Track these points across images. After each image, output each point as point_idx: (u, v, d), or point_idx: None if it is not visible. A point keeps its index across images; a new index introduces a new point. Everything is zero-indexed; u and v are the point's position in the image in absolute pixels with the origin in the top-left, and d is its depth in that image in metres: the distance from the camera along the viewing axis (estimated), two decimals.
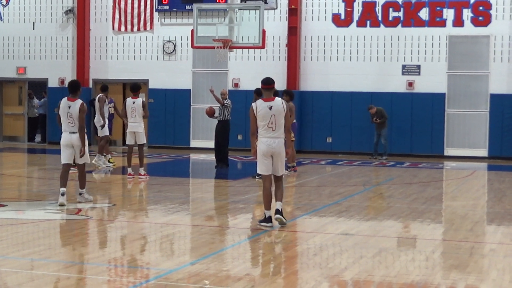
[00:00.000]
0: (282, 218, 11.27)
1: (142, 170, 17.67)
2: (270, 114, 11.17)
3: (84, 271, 8.65)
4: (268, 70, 26.68)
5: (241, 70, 26.96)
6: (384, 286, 7.96)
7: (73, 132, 13.27)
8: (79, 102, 13.15)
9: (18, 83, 30.08)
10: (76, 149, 13.27)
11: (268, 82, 11.44)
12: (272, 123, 11.17)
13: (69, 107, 13.18)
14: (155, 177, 18.05)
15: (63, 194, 12.86)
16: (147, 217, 12.82)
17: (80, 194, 13.46)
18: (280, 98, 11.50)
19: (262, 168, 11.31)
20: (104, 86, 20.41)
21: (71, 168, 13.59)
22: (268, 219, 11.26)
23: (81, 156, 13.20)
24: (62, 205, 12.75)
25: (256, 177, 17.84)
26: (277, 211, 11.29)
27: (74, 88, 13.28)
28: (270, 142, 11.20)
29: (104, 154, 20.13)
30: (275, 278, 8.29)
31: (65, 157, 13.39)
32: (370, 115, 24.58)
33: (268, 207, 11.25)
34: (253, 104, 11.36)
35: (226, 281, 8.04)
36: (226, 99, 20.42)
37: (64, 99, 13.30)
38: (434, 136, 25.62)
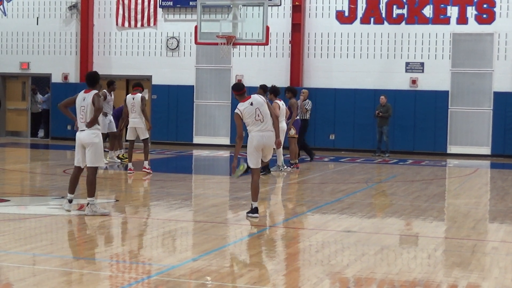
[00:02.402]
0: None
1: (147, 164, 17.69)
2: (254, 109, 11.90)
3: (86, 266, 8.65)
4: (271, 66, 26.72)
5: (245, 66, 26.95)
6: (386, 283, 7.96)
7: (82, 130, 11.76)
8: (92, 92, 11.77)
9: (22, 78, 30.11)
10: (86, 149, 11.72)
11: (239, 88, 12.24)
12: (258, 115, 11.89)
13: (84, 99, 11.79)
14: (158, 173, 18.06)
15: (70, 201, 11.88)
16: (150, 213, 12.82)
17: (88, 204, 11.71)
18: (256, 95, 12.28)
19: (253, 161, 11.93)
20: (108, 81, 20.38)
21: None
22: (254, 210, 11.89)
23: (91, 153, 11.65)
24: (68, 211, 11.82)
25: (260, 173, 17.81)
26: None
27: (90, 80, 11.92)
28: (261, 136, 11.87)
29: (106, 150, 20.13)
30: (277, 275, 8.29)
31: (76, 158, 11.91)
32: (378, 105, 24.48)
33: (256, 198, 11.91)
34: (237, 111, 11.98)
35: (228, 278, 8.04)
36: (306, 99, 21.25)
37: (81, 92, 11.98)
38: (437, 133, 25.61)
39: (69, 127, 28.55)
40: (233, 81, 27.14)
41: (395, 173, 19.89)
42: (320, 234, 10.75)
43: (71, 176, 12.01)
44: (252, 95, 12.13)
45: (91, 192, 11.68)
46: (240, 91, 12.16)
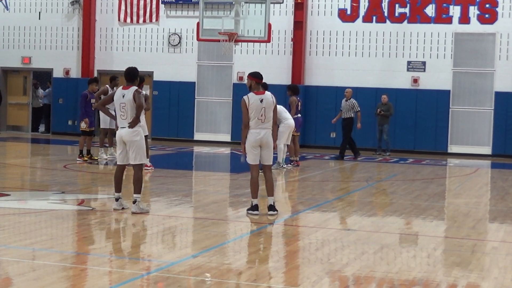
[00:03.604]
0: (274, 212, 11.82)
1: (147, 162, 17.68)
2: (261, 107, 11.68)
3: (86, 262, 8.66)
4: (273, 64, 26.70)
5: (246, 63, 26.92)
6: (385, 282, 7.95)
7: (123, 127, 11.64)
8: (133, 89, 11.61)
9: (23, 73, 30.09)
10: (128, 147, 11.64)
11: (259, 77, 11.91)
12: (262, 115, 11.70)
13: (123, 96, 11.60)
14: (159, 169, 18.07)
15: (117, 200, 11.78)
16: (150, 209, 12.82)
17: (134, 202, 11.58)
18: (269, 92, 12.02)
19: (251, 157, 11.87)
20: (111, 77, 20.35)
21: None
22: (255, 207, 11.81)
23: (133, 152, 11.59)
24: (115, 209, 11.75)
25: (260, 170, 17.81)
26: (270, 207, 11.85)
27: (131, 76, 11.73)
28: (258, 132, 11.72)
29: (106, 145, 20.08)
30: (276, 273, 8.29)
31: (120, 157, 11.78)
32: (379, 104, 24.53)
33: (255, 195, 11.83)
34: (245, 97, 11.80)
35: (227, 274, 8.04)
36: (350, 98, 22.13)
37: (119, 89, 11.84)
38: (438, 133, 25.60)
39: (70, 122, 28.61)
40: (234, 78, 27.16)
41: (396, 172, 19.89)
42: (320, 232, 10.75)
43: (115, 174, 11.85)
44: (266, 92, 11.87)
45: (138, 189, 11.62)
46: (261, 79, 11.88)
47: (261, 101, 11.68)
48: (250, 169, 11.97)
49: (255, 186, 11.84)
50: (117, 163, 11.91)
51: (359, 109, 22.30)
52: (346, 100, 22.24)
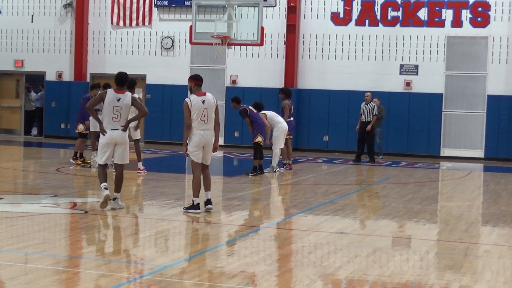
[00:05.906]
0: (211, 206, 12.22)
1: (140, 165, 17.68)
2: (203, 108, 12.10)
3: (79, 265, 8.64)
4: (266, 67, 26.71)
5: (239, 67, 26.95)
6: (378, 285, 7.96)
7: (115, 129, 11.95)
8: (129, 94, 12.17)
9: (16, 76, 30.04)
10: (117, 147, 12.02)
11: (200, 79, 12.53)
12: (204, 116, 12.11)
13: (118, 100, 11.96)
14: (151, 172, 18.05)
15: (106, 188, 11.84)
16: (142, 212, 12.81)
17: (114, 199, 12.04)
18: (211, 94, 12.48)
19: (195, 157, 12.19)
20: (104, 84, 20.37)
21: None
22: (196, 206, 12.09)
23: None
24: (108, 198, 11.89)
25: (250, 174, 17.86)
26: (208, 201, 12.24)
27: (122, 80, 12.17)
28: (202, 134, 12.09)
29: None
30: (269, 276, 8.29)
31: (105, 157, 12.07)
32: None
33: (197, 194, 12.11)
34: (187, 99, 12.23)
35: (220, 278, 8.04)
36: (370, 102, 22.68)
37: (111, 91, 12.12)
38: (431, 136, 25.64)
39: (62, 126, 28.56)
40: (227, 82, 27.15)
41: (388, 175, 19.91)
42: (313, 236, 10.75)
43: (99, 170, 12.14)
44: (207, 93, 12.30)
45: (119, 188, 12.13)
46: (200, 81, 12.42)
47: (203, 102, 12.09)
48: (194, 169, 12.22)
49: (198, 185, 12.12)
50: (101, 162, 12.14)
51: (376, 113, 22.49)
52: (366, 104, 22.55)
